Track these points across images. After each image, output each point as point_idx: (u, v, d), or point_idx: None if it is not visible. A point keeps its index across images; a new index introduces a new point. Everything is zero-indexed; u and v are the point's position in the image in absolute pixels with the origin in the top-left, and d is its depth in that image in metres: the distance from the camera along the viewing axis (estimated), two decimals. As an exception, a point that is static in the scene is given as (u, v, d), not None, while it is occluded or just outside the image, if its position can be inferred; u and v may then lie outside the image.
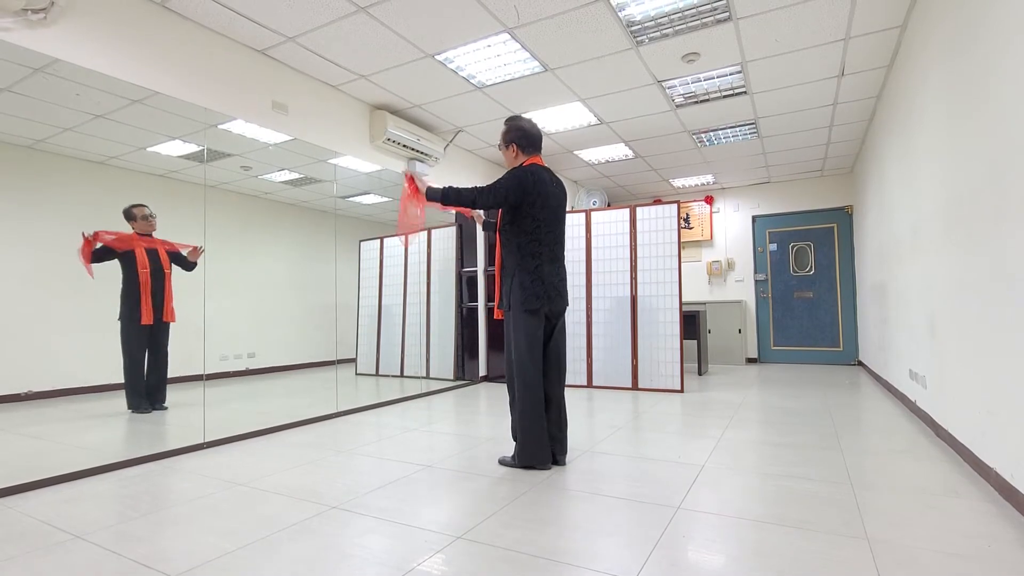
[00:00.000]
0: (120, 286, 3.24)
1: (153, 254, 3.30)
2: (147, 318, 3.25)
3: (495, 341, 5.65)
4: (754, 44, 3.50)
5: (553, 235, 2.50)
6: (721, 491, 2.08)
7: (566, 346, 2.65)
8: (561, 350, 2.56)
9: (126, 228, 3.26)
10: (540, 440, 2.39)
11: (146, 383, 3.34)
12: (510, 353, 2.50)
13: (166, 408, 3.43)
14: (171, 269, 3.36)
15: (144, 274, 3.24)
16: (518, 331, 2.43)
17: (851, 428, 3.14)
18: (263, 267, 4.80)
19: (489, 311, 5.60)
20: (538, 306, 2.41)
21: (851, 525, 1.73)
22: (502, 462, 2.51)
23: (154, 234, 3.36)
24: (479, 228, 3.19)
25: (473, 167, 5.78)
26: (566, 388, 4.87)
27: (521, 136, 2.53)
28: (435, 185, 2.55)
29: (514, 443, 2.51)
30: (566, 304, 2.56)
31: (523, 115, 2.66)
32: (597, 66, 3.79)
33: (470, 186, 2.47)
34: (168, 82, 2.99)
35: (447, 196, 2.45)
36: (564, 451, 2.51)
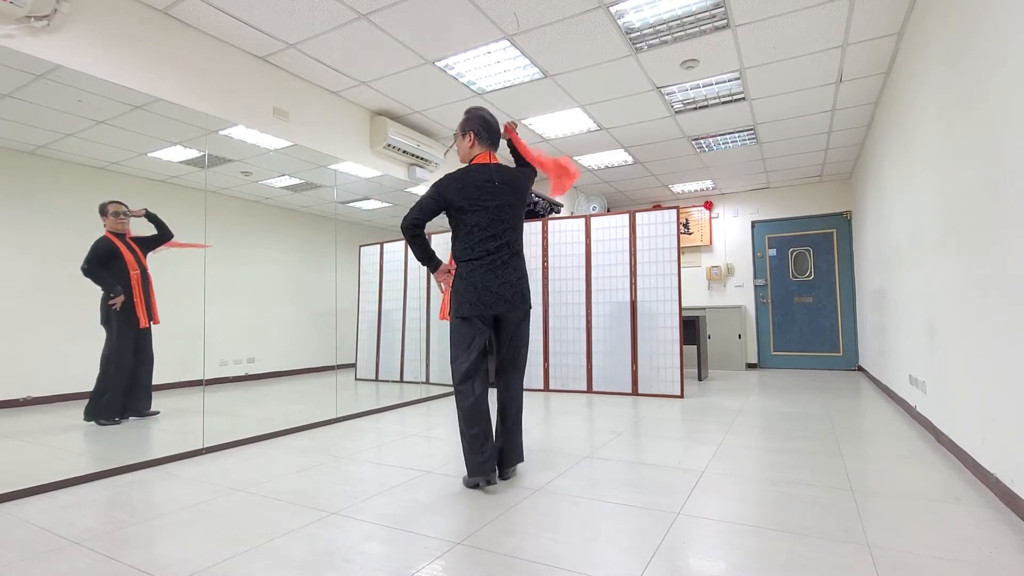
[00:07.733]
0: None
1: (135, 255, 3.27)
2: (143, 321, 3.27)
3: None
4: (752, 51, 3.52)
5: (494, 239, 2.30)
6: (721, 497, 2.08)
7: (525, 352, 2.45)
8: (515, 356, 2.40)
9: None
10: (468, 454, 2.25)
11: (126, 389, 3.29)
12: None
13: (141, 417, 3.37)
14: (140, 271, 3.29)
15: (135, 276, 3.24)
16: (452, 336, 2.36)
17: (851, 434, 3.14)
18: (263, 272, 4.81)
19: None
20: (470, 313, 2.27)
21: (851, 531, 1.73)
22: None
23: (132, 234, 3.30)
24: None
25: (473, 173, 5.79)
26: (567, 393, 4.89)
27: (482, 126, 2.39)
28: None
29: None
30: (513, 307, 2.33)
31: (482, 107, 2.52)
32: (596, 73, 3.81)
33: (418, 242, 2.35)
34: (170, 88, 3.01)
35: (424, 260, 2.39)
36: (511, 463, 2.35)
